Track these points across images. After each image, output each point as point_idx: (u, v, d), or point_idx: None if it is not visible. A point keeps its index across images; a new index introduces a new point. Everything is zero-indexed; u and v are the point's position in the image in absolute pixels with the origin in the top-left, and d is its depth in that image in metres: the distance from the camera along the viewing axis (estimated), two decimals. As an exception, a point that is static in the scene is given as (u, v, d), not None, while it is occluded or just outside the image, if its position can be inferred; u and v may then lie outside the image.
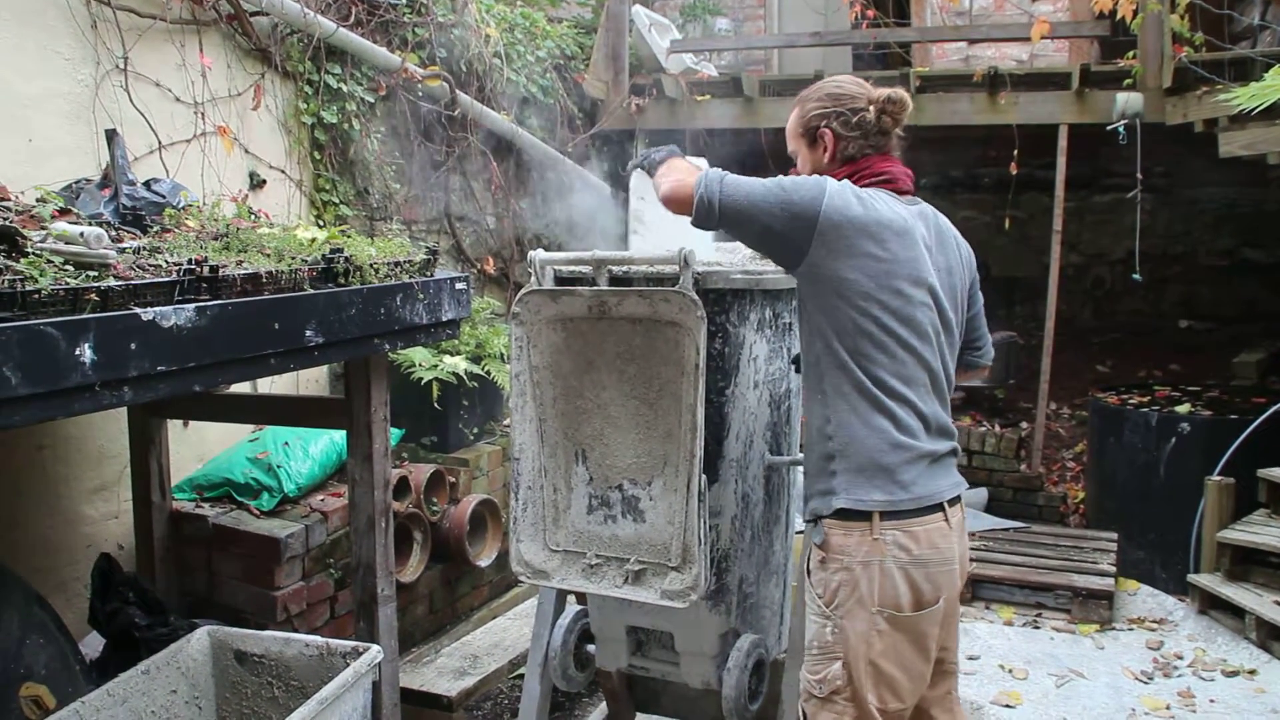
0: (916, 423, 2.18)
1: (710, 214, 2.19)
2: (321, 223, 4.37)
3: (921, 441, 2.17)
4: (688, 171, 2.28)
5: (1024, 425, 6.21)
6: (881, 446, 2.14)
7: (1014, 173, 5.89)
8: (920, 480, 2.16)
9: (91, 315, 1.92)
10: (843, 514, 2.17)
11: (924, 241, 2.20)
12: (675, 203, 2.25)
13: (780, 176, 2.20)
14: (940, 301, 2.22)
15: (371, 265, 2.72)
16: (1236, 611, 4.57)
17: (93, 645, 3.10)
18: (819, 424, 2.23)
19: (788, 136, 2.41)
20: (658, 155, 2.51)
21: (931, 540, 2.16)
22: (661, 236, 2.70)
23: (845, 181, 2.20)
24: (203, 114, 3.82)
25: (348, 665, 2.70)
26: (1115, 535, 5.26)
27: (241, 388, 3.62)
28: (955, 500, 2.23)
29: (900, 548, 2.13)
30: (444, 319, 2.97)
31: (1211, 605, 4.72)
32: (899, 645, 2.16)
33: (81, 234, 2.09)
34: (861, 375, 2.14)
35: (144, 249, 2.34)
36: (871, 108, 2.28)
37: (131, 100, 3.53)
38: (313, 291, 2.51)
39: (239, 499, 3.55)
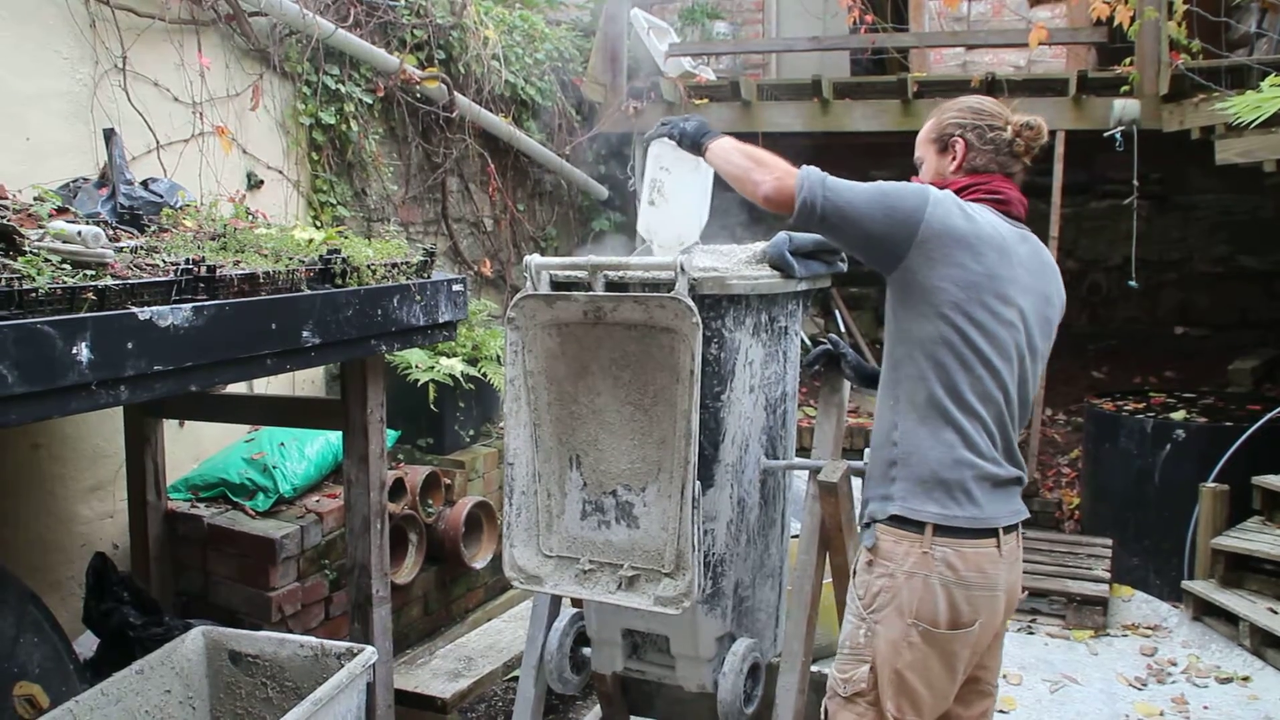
0: (985, 441, 2.16)
1: (812, 217, 2.16)
2: (319, 223, 4.37)
3: (986, 462, 2.16)
4: (784, 169, 2.23)
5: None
6: (945, 460, 2.14)
7: (1011, 178, 5.89)
8: (979, 501, 2.14)
9: (88, 314, 1.92)
10: (896, 521, 2.16)
11: (1020, 263, 2.19)
12: (775, 203, 2.21)
13: (880, 181, 2.18)
14: (1029, 325, 2.20)
15: (368, 266, 2.72)
16: (1230, 618, 4.58)
17: (87, 644, 3.09)
18: (886, 429, 2.23)
19: (918, 143, 2.41)
20: (689, 126, 2.47)
21: (979, 564, 2.14)
22: (678, 209, 2.67)
23: (948, 192, 2.19)
24: (201, 114, 3.82)
25: (342, 666, 2.70)
26: (1110, 541, 5.27)
27: (238, 388, 3.62)
28: (1012, 529, 2.21)
29: (948, 565, 2.12)
30: (441, 321, 2.97)
31: (1205, 612, 4.73)
32: (928, 660, 2.16)
33: (79, 233, 2.09)
34: (937, 386, 2.14)
35: (141, 248, 2.34)
36: (1009, 128, 2.28)
37: (130, 100, 3.53)
38: (310, 292, 2.51)
39: (234, 499, 3.55)
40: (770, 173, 2.23)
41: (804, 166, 2.21)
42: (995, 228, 2.17)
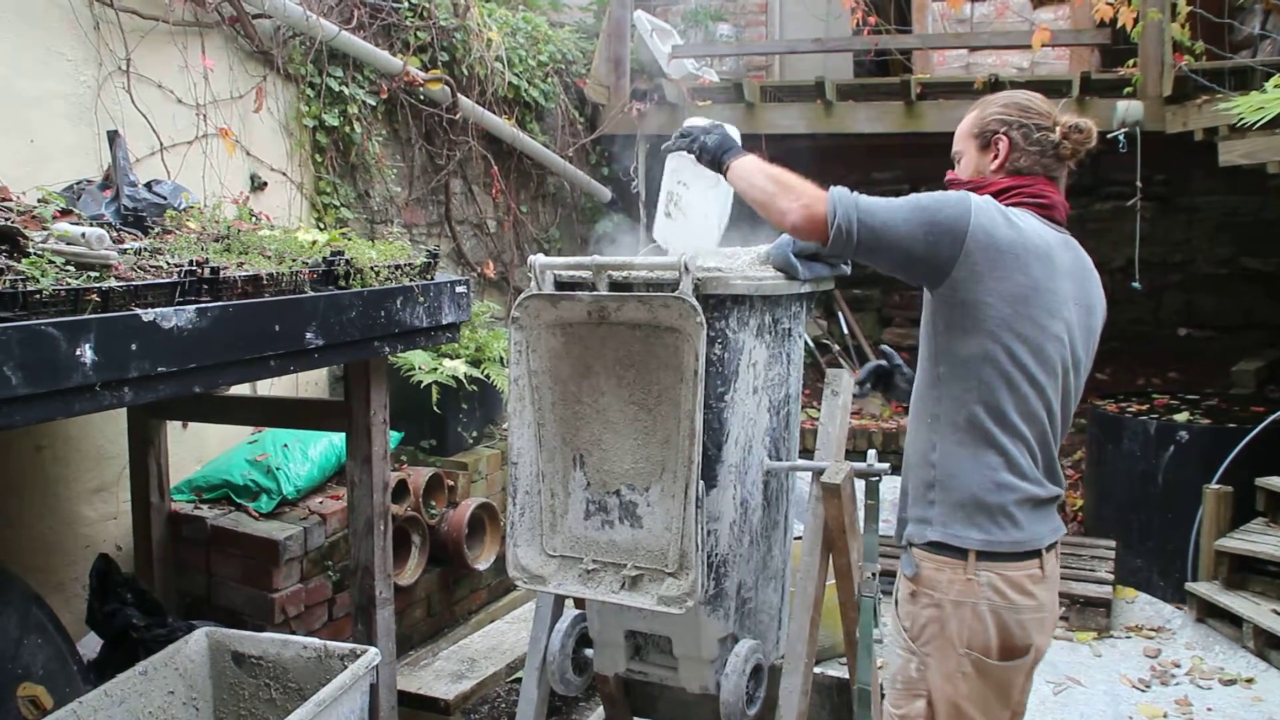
0: (1027, 462, 2.08)
1: (849, 244, 2.04)
2: (322, 225, 4.38)
3: (1028, 483, 2.09)
4: (811, 195, 2.09)
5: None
6: (986, 484, 2.06)
7: (1014, 180, 5.88)
8: (1021, 523, 2.07)
9: (92, 316, 1.92)
10: (936, 547, 2.09)
11: (1066, 272, 2.10)
12: (806, 232, 2.09)
13: (916, 194, 2.07)
14: (1074, 338, 2.12)
15: (372, 268, 2.73)
16: (1234, 620, 4.57)
17: (90, 646, 3.10)
18: (922, 448, 2.15)
19: (957, 136, 2.28)
20: (710, 140, 2.32)
21: (1024, 586, 2.07)
22: (695, 223, 2.63)
23: (988, 197, 2.08)
24: (204, 116, 3.83)
25: (345, 667, 2.70)
26: (1113, 543, 5.26)
27: (241, 389, 3.63)
28: (1052, 547, 2.14)
29: (995, 591, 2.04)
30: (444, 322, 2.97)
31: (1209, 613, 4.73)
32: (984, 692, 2.08)
33: (83, 235, 2.09)
34: (979, 406, 2.05)
35: (145, 250, 2.34)
36: (1057, 129, 2.17)
37: (133, 102, 3.54)
38: (313, 294, 2.51)
39: (238, 501, 3.55)
40: (796, 199, 2.10)
41: (833, 187, 2.08)
42: (1041, 235, 2.07)
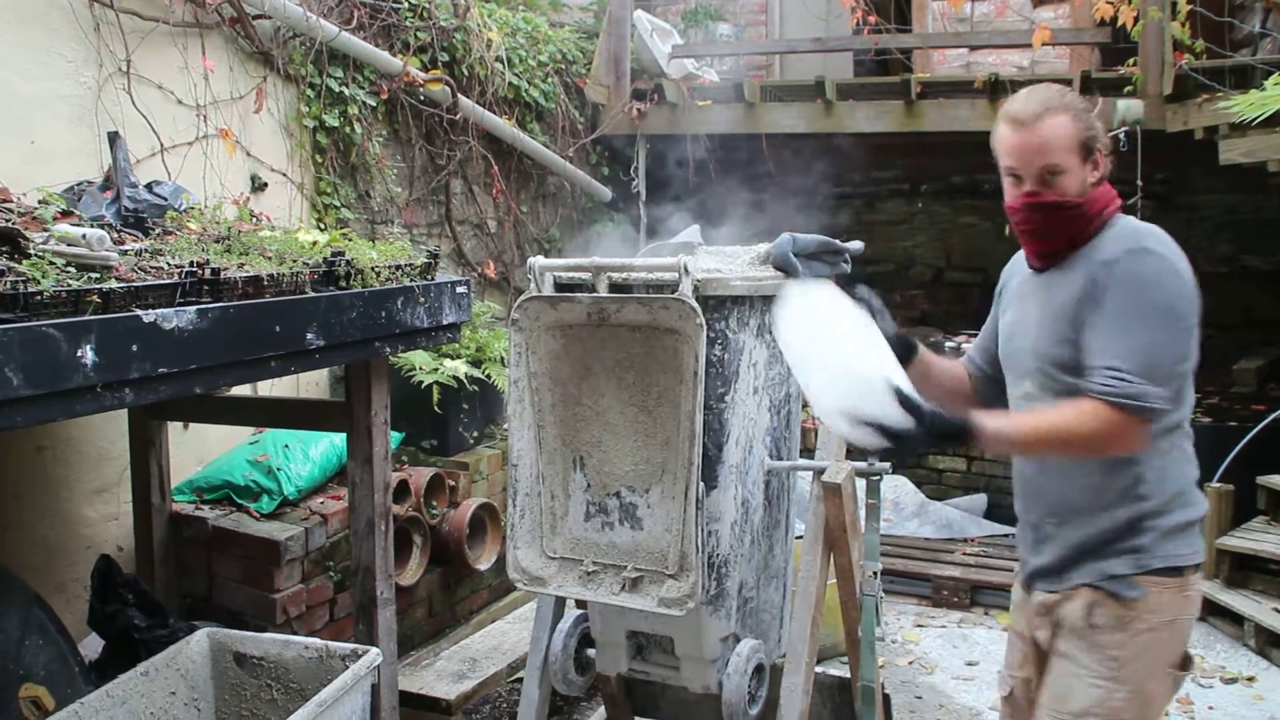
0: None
1: (1167, 414, 1.99)
2: (323, 226, 4.38)
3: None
4: (1110, 430, 1.94)
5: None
6: (1194, 497, 2.08)
7: (1014, 179, 5.87)
8: (1203, 531, 2.10)
9: (93, 317, 1.92)
10: (1159, 572, 2.05)
11: None
12: (1138, 449, 2.00)
13: (1162, 308, 1.99)
14: None
15: (372, 268, 2.73)
16: (1235, 618, 4.57)
17: (92, 646, 3.10)
18: (1125, 483, 2.05)
19: (1056, 149, 2.08)
20: (918, 436, 1.95)
21: (1201, 592, 2.10)
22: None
23: (1162, 239, 2.11)
24: (205, 117, 3.83)
25: (347, 668, 2.70)
26: (1114, 542, 5.26)
27: (242, 390, 3.63)
28: None
29: (1194, 603, 2.07)
30: (444, 322, 2.97)
31: (1210, 612, 4.72)
32: (1163, 710, 2.10)
33: (84, 236, 2.10)
34: (1180, 426, 2.05)
35: (146, 251, 2.35)
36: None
37: (134, 103, 3.54)
38: (314, 294, 2.52)
39: (239, 501, 3.56)
40: (1102, 444, 1.98)
41: (1115, 396, 1.93)
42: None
